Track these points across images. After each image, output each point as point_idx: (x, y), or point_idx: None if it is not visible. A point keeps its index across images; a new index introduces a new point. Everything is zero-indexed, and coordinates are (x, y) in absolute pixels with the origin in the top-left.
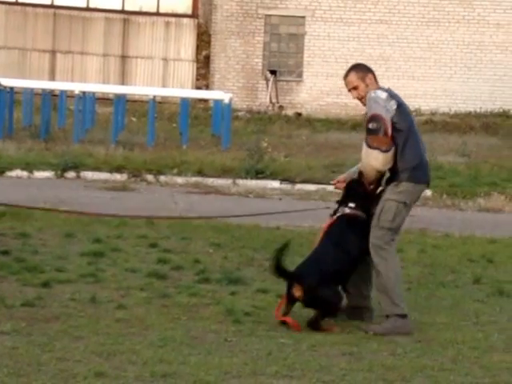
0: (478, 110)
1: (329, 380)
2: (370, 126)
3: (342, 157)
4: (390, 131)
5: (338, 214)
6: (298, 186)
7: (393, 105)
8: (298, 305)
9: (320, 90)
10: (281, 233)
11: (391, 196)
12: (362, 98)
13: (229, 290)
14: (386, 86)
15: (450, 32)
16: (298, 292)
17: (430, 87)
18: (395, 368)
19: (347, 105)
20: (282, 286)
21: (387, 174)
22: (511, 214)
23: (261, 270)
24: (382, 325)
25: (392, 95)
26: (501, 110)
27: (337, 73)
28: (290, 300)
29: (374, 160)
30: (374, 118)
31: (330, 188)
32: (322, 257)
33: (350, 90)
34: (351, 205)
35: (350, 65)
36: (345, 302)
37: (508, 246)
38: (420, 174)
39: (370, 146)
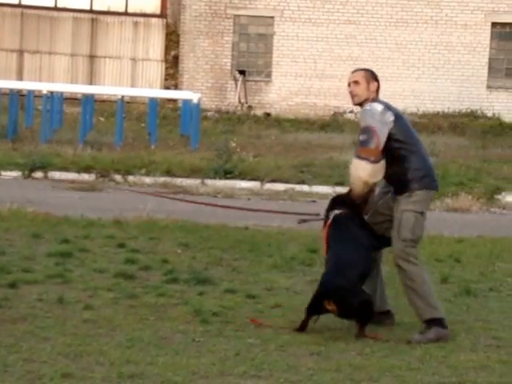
0: (446, 111)
1: (296, 380)
2: (361, 137)
3: (311, 157)
4: (381, 145)
5: (330, 219)
6: (267, 186)
7: (389, 116)
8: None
9: (289, 90)
10: (249, 233)
11: (407, 207)
12: (355, 96)
13: (197, 290)
14: (384, 100)
15: (418, 33)
16: (330, 306)
17: (398, 87)
18: (363, 368)
19: (316, 105)
20: (250, 286)
21: (378, 190)
22: (478, 214)
23: (229, 270)
24: (425, 335)
25: (388, 107)
26: (468, 111)
27: (305, 73)
28: (324, 311)
29: (362, 171)
30: (365, 131)
31: (299, 188)
32: (341, 262)
33: (349, 84)
34: (339, 209)
35: (318, 65)
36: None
37: (475, 245)
38: (429, 180)
39: (358, 157)
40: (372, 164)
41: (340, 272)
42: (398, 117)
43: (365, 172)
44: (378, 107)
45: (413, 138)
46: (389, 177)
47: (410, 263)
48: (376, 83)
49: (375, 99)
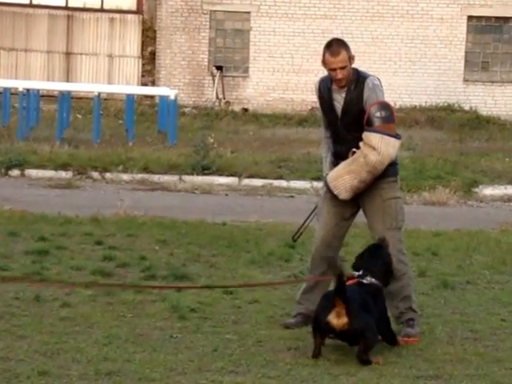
0: (423, 104)
1: (274, 375)
2: (384, 113)
3: (289, 152)
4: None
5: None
6: (245, 182)
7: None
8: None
9: (266, 85)
10: (227, 229)
11: (396, 193)
12: (343, 80)
13: None
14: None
15: (394, 27)
16: (340, 319)
17: None
18: (340, 362)
19: (293, 100)
20: (227, 281)
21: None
22: (455, 207)
23: (207, 266)
24: (414, 328)
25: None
26: (445, 104)
27: (283, 68)
28: (324, 334)
29: (393, 148)
30: (384, 106)
31: (277, 183)
32: (354, 290)
33: (334, 69)
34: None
35: (295, 60)
36: None
37: (452, 238)
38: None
39: (387, 134)
40: (399, 140)
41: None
42: None
43: (394, 149)
44: (378, 81)
45: None
46: None
47: (404, 263)
48: (352, 53)
49: (363, 72)
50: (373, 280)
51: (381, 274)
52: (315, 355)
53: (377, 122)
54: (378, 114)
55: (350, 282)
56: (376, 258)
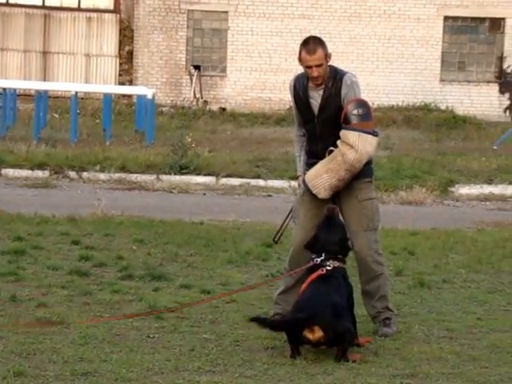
0: (400, 104)
1: (251, 374)
2: (361, 111)
3: (267, 151)
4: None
5: (327, 268)
6: (223, 181)
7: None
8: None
9: (244, 84)
10: (205, 228)
11: (372, 194)
12: (319, 78)
13: (152, 286)
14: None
15: (371, 26)
16: (316, 334)
17: None
18: (317, 361)
19: (271, 99)
20: (205, 281)
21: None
22: (432, 207)
23: (184, 265)
24: (391, 327)
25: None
26: (422, 104)
27: (260, 67)
28: (301, 344)
29: (370, 145)
30: (361, 104)
31: (254, 182)
32: (322, 291)
33: (311, 67)
34: (337, 260)
35: (273, 59)
36: None
37: (429, 237)
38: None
39: (364, 131)
40: (376, 138)
41: (323, 299)
42: None
43: (372, 147)
44: (356, 78)
45: None
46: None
47: (380, 264)
48: (328, 51)
49: (340, 70)
50: (335, 263)
51: (340, 250)
52: (293, 356)
53: (354, 120)
54: (355, 112)
55: (313, 276)
56: (331, 235)
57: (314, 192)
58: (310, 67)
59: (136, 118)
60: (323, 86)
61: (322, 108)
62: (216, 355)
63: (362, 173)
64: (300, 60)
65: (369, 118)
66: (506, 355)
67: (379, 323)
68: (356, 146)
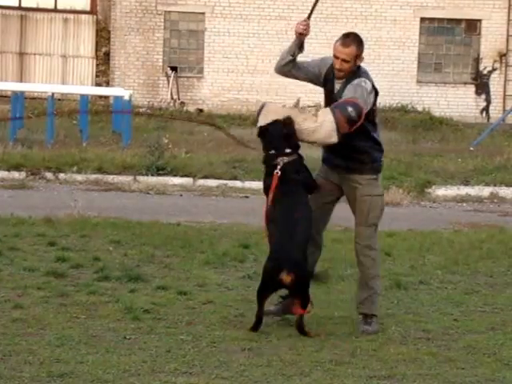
0: (377, 105)
1: (228, 376)
2: (350, 109)
3: (243, 152)
4: (357, 125)
5: (279, 167)
6: (199, 182)
7: (372, 98)
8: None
9: (221, 86)
10: (181, 229)
11: (375, 191)
12: (341, 72)
13: (128, 287)
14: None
15: (348, 28)
16: (288, 278)
17: None
18: (294, 363)
19: (248, 101)
20: (181, 282)
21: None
22: (409, 208)
23: (161, 266)
24: (372, 326)
25: (374, 87)
26: (399, 105)
27: (237, 69)
28: (276, 287)
29: (329, 138)
30: (355, 106)
31: (231, 183)
32: (293, 231)
33: (338, 58)
34: (287, 150)
35: (250, 61)
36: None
37: (405, 239)
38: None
39: (337, 125)
40: (337, 136)
41: (295, 243)
42: (376, 94)
43: (330, 139)
44: (369, 87)
45: (377, 117)
46: (354, 151)
47: (372, 259)
48: (362, 54)
49: (364, 72)
50: (285, 159)
51: (288, 145)
52: (257, 325)
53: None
54: (346, 107)
55: (273, 185)
56: (274, 132)
57: (259, 118)
58: (337, 57)
59: (113, 119)
60: (343, 81)
61: (335, 100)
62: (192, 356)
63: (367, 169)
64: (334, 47)
65: (351, 121)
66: (482, 356)
67: (361, 319)
68: (326, 125)
